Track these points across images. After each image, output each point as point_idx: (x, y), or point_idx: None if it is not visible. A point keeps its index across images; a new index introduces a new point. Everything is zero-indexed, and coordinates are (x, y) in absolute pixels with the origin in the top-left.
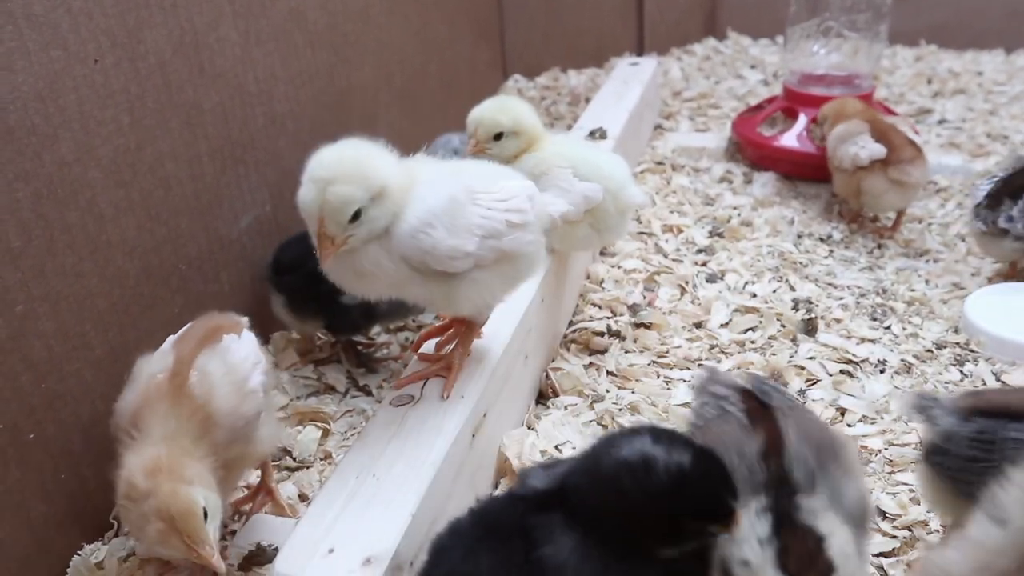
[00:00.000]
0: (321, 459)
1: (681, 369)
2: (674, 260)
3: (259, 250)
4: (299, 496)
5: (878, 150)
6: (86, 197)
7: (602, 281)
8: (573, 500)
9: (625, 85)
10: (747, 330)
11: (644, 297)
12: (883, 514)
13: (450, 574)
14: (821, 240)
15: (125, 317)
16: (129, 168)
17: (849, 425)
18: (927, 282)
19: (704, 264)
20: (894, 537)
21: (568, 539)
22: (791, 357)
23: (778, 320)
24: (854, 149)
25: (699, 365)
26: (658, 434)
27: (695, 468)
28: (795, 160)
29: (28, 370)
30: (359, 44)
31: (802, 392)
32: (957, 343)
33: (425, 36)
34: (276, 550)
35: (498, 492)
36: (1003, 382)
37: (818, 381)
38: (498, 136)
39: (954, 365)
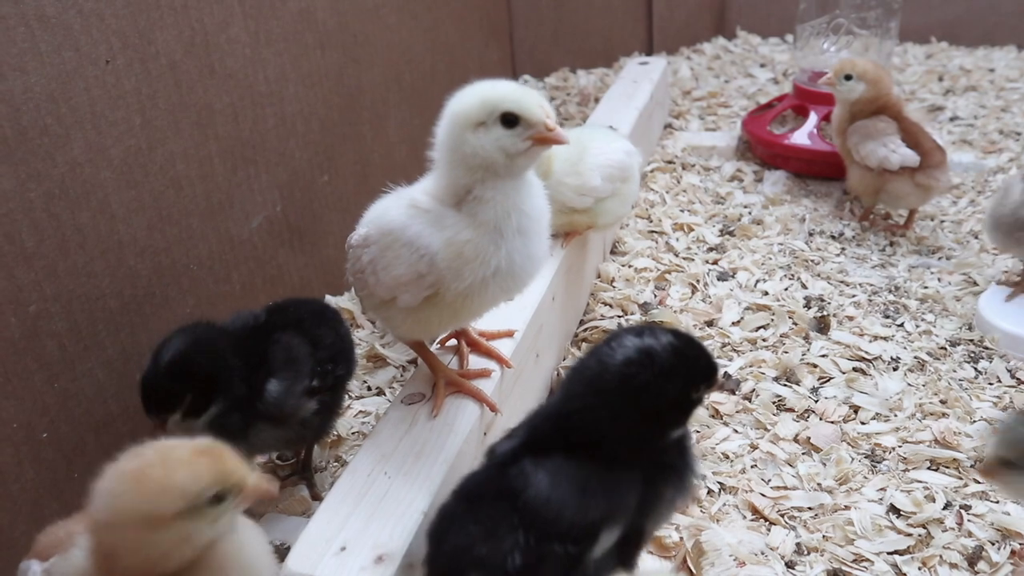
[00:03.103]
0: (333, 462)
1: None
2: (685, 259)
3: (269, 250)
4: (311, 495)
5: (911, 157)
6: (98, 197)
7: (613, 280)
8: (572, 426)
9: (635, 85)
10: (759, 328)
11: (655, 296)
12: (897, 512)
13: (452, 551)
14: (833, 238)
15: (137, 317)
16: (140, 168)
17: (863, 423)
18: (940, 279)
19: (715, 262)
20: (908, 535)
21: (542, 474)
22: (803, 355)
23: (790, 318)
24: (884, 152)
25: None
26: (637, 331)
27: (683, 342)
28: (806, 158)
29: (41, 369)
30: (369, 44)
31: (815, 390)
32: (971, 340)
33: (435, 36)
34: (288, 548)
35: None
36: (1018, 379)
37: (831, 379)
38: None
39: (968, 362)
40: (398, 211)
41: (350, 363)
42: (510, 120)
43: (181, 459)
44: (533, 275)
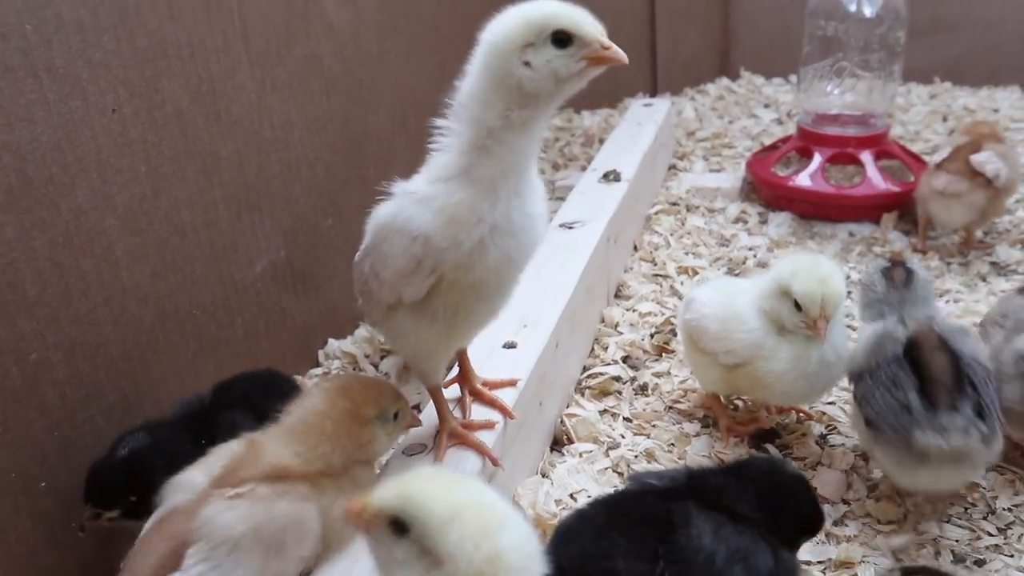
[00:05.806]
0: None
1: (695, 419)
2: None
3: (273, 295)
4: None
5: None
6: (102, 245)
7: (617, 325)
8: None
9: (639, 126)
10: None
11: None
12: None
13: (581, 555)
14: None
15: (139, 364)
16: (145, 216)
17: (871, 472)
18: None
19: None
20: None
21: (705, 522)
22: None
23: None
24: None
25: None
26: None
27: None
28: (811, 200)
29: (41, 417)
30: (374, 88)
31: (823, 436)
32: None
33: (440, 78)
34: None
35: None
36: None
37: (839, 425)
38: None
39: None
40: (389, 204)
41: None
42: (562, 39)
43: (374, 384)
44: (536, 238)
